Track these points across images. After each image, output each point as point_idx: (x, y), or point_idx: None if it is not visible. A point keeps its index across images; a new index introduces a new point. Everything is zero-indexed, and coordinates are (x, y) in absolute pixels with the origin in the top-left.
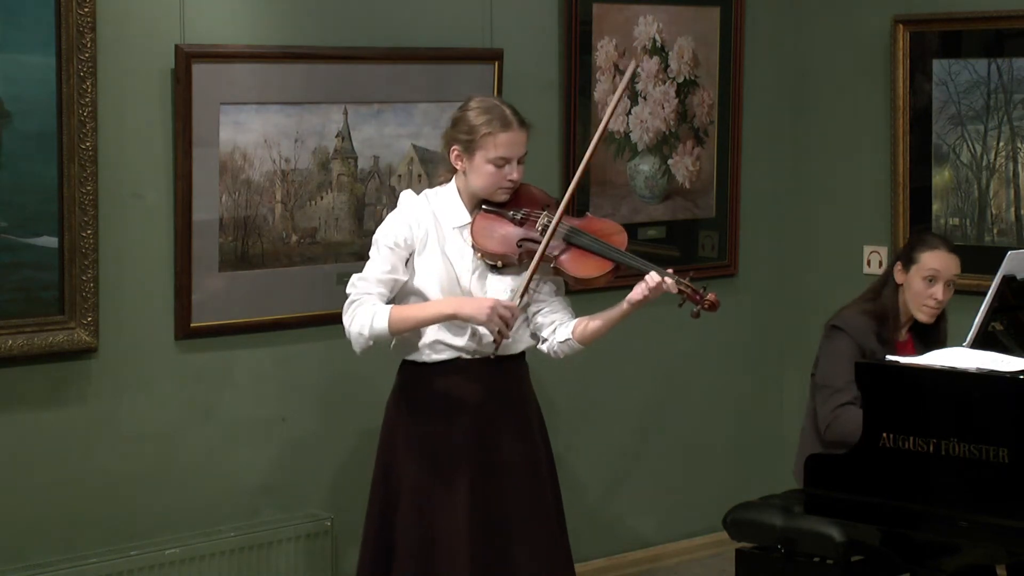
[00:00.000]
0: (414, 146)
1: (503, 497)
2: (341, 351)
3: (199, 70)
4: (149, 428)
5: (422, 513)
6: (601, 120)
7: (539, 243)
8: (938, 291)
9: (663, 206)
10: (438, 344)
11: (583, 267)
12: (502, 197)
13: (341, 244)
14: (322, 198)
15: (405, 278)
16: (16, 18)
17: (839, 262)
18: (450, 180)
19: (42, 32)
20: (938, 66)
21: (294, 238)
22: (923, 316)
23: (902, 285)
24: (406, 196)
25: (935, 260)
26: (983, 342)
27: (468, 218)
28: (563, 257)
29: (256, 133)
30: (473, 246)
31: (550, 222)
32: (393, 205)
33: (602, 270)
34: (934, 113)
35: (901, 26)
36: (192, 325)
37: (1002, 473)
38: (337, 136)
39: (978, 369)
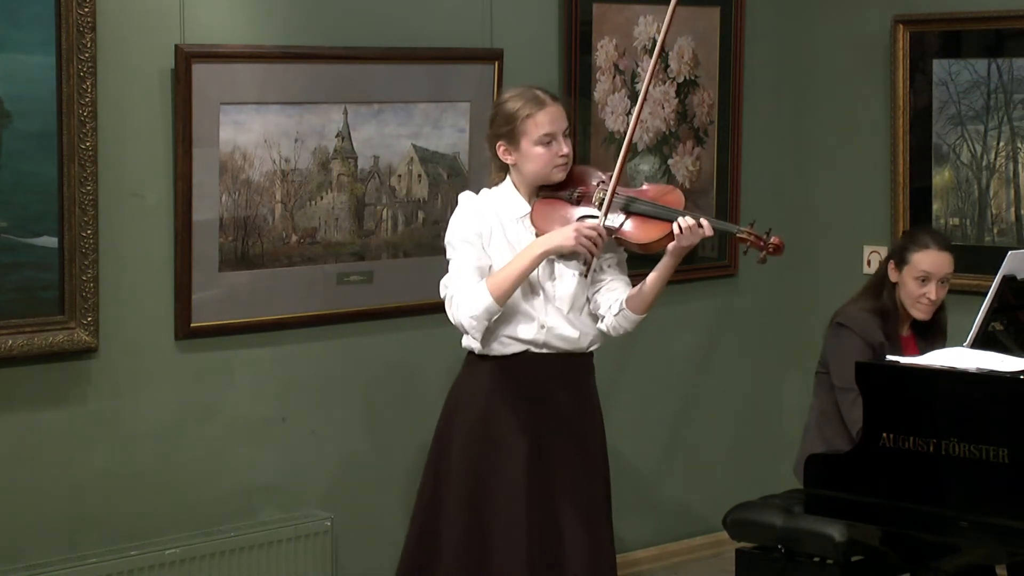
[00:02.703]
0: (414, 146)
1: (555, 493)
2: (341, 351)
3: (199, 70)
4: (149, 428)
5: (474, 503)
6: (601, 119)
7: (598, 218)
8: (931, 291)
9: None
10: (506, 338)
11: (643, 233)
12: (559, 176)
13: (341, 244)
14: (322, 198)
15: (491, 262)
16: (16, 18)
17: (839, 262)
18: (503, 179)
19: (42, 32)
20: (938, 66)
21: (294, 238)
22: (919, 314)
23: (897, 283)
24: (466, 196)
25: (925, 261)
26: (983, 342)
27: (527, 208)
28: (623, 226)
29: (256, 133)
30: (536, 233)
31: (606, 194)
32: (393, 205)
33: (663, 232)
34: (934, 113)
35: (901, 26)
36: (192, 325)
37: (1002, 473)
38: (337, 136)
39: (978, 369)
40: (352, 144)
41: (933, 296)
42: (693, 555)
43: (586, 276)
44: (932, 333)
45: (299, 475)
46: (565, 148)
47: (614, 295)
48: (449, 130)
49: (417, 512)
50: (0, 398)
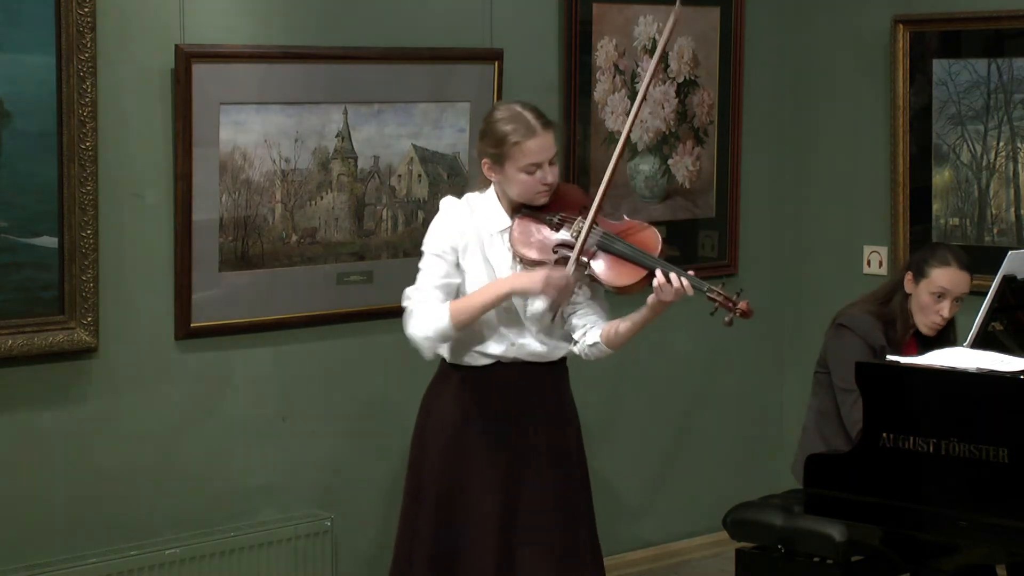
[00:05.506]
0: (414, 146)
1: (531, 501)
2: (341, 351)
3: (199, 70)
4: (149, 428)
5: (447, 512)
6: (601, 119)
7: (573, 251)
8: (944, 308)
9: (663, 206)
10: (476, 353)
11: (617, 275)
12: (541, 200)
13: (341, 244)
14: (322, 198)
15: (459, 280)
16: (16, 18)
17: (839, 262)
18: (490, 185)
19: (42, 32)
20: (938, 66)
21: (294, 238)
22: (925, 329)
23: (911, 295)
24: (447, 202)
25: (945, 279)
26: (983, 342)
27: (508, 223)
28: (596, 265)
29: (256, 133)
30: (512, 253)
31: (583, 228)
32: (393, 205)
33: (635, 278)
34: (934, 113)
35: (901, 26)
36: (192, 325)
37: (1002, 473)
38: (337, 136)
39: (978, 369)
40: (352, 144)
41: (946, 314)
42: (693, 555)
43: (552, 321)
44: (941, 346)
45: (299, 475)
46: (550, 177)
47: (589, 319)
48: (449, 130)
49: (400, 524)
50: (0, 398)
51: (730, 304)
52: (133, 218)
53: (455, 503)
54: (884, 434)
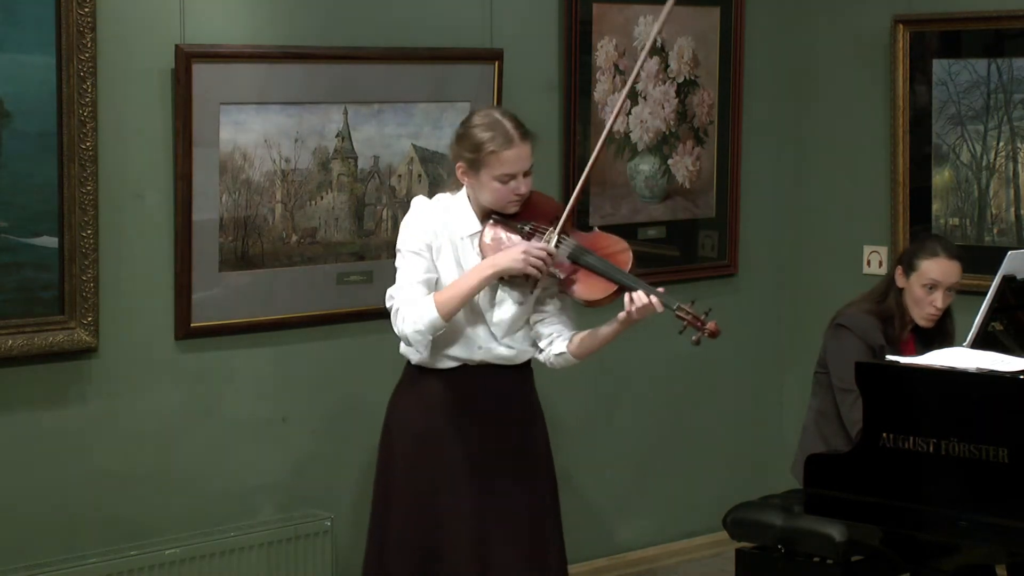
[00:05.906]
0: (414, 146)
1: (503, 501)
2: (341, 351)
3: (199, 70)
4: (149, 428)
5: (419, 514)
6: (601, 119)
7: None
8: (937, 299)
9: (663, 206)
10: (442, 356)
11: (586, 289)
12: (512, 210)
13: (341, 244)
14: (322, 198)
15: (437, 275)
16: (16, 18)
17: (839, 262)
18: (462, 187)
19: (42, 32)
20: (938, 66)
21: (294, 238)
22: (922, 321)
23: (904, 289)
24: (419, 201)
25: (934, 269)
26: (983, 342)
27: (479, 227)
28: (567, 278)
29: (256, 133)
30: (482, 257)
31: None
32: (393, 205)
33: (605, 292)
34: (934, 113)
35: (901, 26)
36: (192, 325)
37: (1002, 473)
38: (337, 136)
39: (978, 369)
40: (352, 144)
41: (939, 304)
42: (693, 555)
43: (532, 292)
44: (940, 340)
45: (299, 475)
46: (523, 188)
47: (555, 329)
48: (449, 130)
49: (370, 532)
50: (0, 398)
51: (699, 323)
52: (133, 218)
53: (425, 507)
54: (884, 434)
